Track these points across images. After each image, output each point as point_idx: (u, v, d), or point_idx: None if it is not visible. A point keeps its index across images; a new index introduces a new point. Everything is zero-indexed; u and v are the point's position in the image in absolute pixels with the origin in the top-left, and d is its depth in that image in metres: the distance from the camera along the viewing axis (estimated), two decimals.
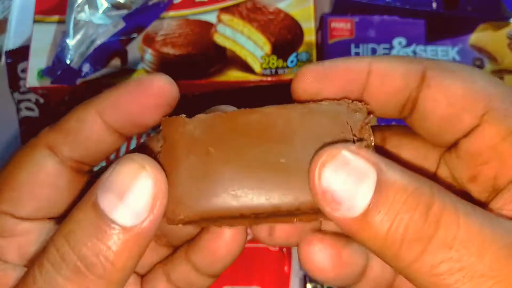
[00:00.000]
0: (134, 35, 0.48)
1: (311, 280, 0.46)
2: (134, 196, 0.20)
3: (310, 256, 0.25)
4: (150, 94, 0.24)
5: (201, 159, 0.23)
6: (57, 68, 0.45)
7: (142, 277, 0.28)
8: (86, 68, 0.46)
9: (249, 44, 0.47)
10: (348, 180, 0.20)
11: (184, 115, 0.23)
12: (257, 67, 0.47)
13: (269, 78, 0.46)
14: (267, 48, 0.47)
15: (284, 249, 0.46)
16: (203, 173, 0.22)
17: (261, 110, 0.23)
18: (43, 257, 0.21)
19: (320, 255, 0.25)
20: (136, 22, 0.48)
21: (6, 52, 0.52)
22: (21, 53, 0.51)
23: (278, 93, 0.47)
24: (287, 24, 0.48)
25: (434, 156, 0.26)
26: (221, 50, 0.48)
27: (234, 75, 0.47)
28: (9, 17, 0.53)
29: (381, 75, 0.24)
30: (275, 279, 0.45)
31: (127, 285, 0.27)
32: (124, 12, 0.47)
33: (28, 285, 0.20)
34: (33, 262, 0.21)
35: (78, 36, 0.45)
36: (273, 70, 0.47)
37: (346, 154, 0.20)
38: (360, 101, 0.24)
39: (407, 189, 0.19)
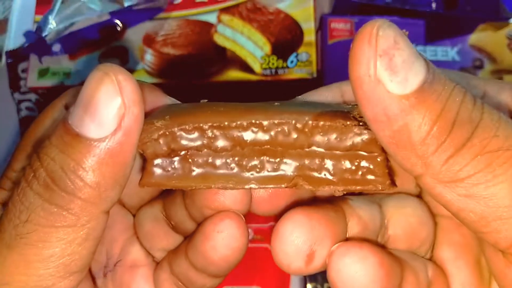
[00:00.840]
0: (116, 29, 0.48)
1: (311, 280, 0.46)
2: (98, 106, 0.19)
3: (348, 271, 0.21)
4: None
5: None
6: (34, 36, 0.45)
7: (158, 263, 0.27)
8: (56, 48, 0.46)
9: (249, 44, 0.47)
10: (406, 49, 0.17)
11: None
12: (257, 67, 0.47)
13: (269, 78, 0.46)
14: (267, 48, 0.47)
15: None
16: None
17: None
18: (22, 177, 0.20)
19: (360, 267, 0.21)
20: (121, 18, 0.47)
21: (6, 52, 0.52)
22: (21, 54, 0.51)
23: (278, 93, 0.47)
24: (287, 24, 0.48)
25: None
26: (221, 50, 0.48)
27: (234, 75, 0.47)
28: (10, 17, 0.53)
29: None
30: (275, 279, 0.45)
31: (141, 267, 0.26)
32: (116, 6, 0.46)
33: (9, 205, 0.20)
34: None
35: (67, 11, 0.45)
36: (273, 70, 0.46)
37: (398, 29, 0.18)
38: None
39: (452, 78, 0.18)
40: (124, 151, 0.19)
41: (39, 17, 0.49)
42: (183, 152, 0.21)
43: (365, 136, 0.20)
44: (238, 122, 0.20)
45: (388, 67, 0.17)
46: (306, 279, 0.46)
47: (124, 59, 0.48)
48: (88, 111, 0.19)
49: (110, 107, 0.19)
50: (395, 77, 0.17)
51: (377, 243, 0.24)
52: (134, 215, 0.27)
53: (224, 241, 0.23)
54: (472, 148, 0.17)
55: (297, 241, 0.22)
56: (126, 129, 0.19)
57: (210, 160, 0.21)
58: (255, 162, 0.21)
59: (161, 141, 0.21)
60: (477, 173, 0.17)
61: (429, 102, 0.17)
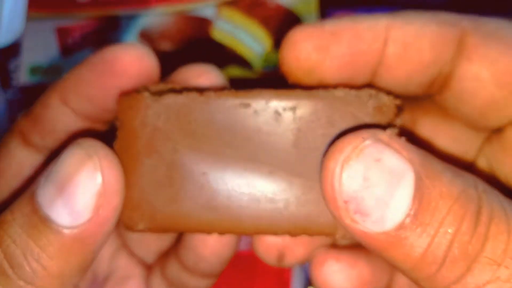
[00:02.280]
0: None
1: (313, 284, 0.45)
2: (75, 191, 0.17)
3: (326, 279, 0.21)
4: (113, 73, 0.20)
5: (166, 158, 0.18)
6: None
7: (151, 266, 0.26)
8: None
9: (249, 40, 0.47)
10: (380, 184, 0.15)
11: (147, 93, 0.19)
12: (257, 64, 0.46)
13: (270, 75, 0.46)
14: (268, 43, 0.47)
15: None
16: (168, 177, 0.18)
17: (253, 97, 0.18)
18: None
19: (338, 277, 0.21)
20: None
21: None
22: (13, 50, 0.50)
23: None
24: (288, 19, 0.47)
25: (477, 144, 0.21)
26: (220, 47, 0.47)
27: (234, 72, 0.46)
28: (1, 12, 0.52)
29: (403, 45, 0.18)
30: (276, 283, 0.45)
31: (133, 277, 0.24)
32: None
33: None
34: None
35: None
36: (274, 67, 0.46)
37: (378, 146, 0.15)
38: (388, 92, 0.18)
39: (452, 193, 0.15)
40: (95, 240, 0.17)
41: (31, 13, 0.48)
42: None
43: None
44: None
45: (357, 211, 0.15)
46: (307, 283, 0.45)
47: None
48: (62, 195, 0.17)
49: (88, 195, 0.17)
50: (368, 218, 0.15)
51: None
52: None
53: (222, 242, 0.22)
54: (468, 284, 0.15)
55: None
56: (102, 219, 0.17)
57: None
58: None
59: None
60: None
61: (414, 238, 0.15)
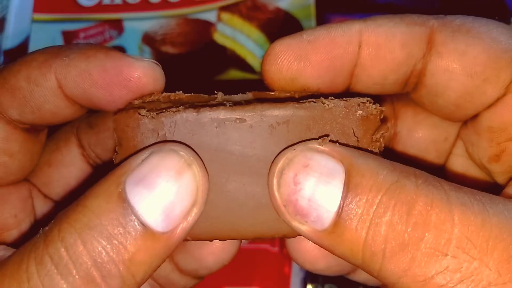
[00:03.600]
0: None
1: (312, 281, 0.45)
2: (172, 197, 0.16)
3: (297, 244, 0.22)
4: (125, 85, 0.20)
5: None
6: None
7: None
8: None
9: (249, 43, 0.47)
10: (311, 185, 0.16)
11: (144, 110, 0.19)
12: (257, 66, 0.46)
13: None
14: (268, 47, 0.46)
15: (284, 250, 0.46)
16: None
17: (248, 111, 0.19)
18: (44, 252, 0.16)
19: (308, 243, 0.21)
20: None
21: (4, 51, 0.51)
22: (19, 53, 0.51)
23: None
24: (287, 23, 0.47)
25: (455, 130, 0.21)
26: (221, 49, 0.47)
27: (234, 74, 0.46)
28: (7, 16, 0.52)
29: (376, 46, 0.19)
30: (275, 280, 0.45)
31: None
32: None
33: (21, 284, 0.16)
34: (26, 250, 0.16)
35: None
36: None
37: (306, 154, 0.16)
38: (372, 101, 0.19)
39: (382, 184, 0.15)
40: (178, 243, 0.17)
41: (37, 16, 0.48)
42: None
43: None
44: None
45: (296, 213, 0.16)
46: (306, 280, 0.45)
47: None
48: (161, 201, 0.16)
49: (186, 204, 0.17)
50: (307, 218, 0.16)
51: None
52: None
53: (223, 245, 0.22)
54: (415, 284, 0.15)
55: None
56: (188, 226, 0.17)
57: None
58: None
59: None
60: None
61: (351, 233, 0.16)
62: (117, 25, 0.48)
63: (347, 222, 0.16)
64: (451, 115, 0.20)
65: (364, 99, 0.19)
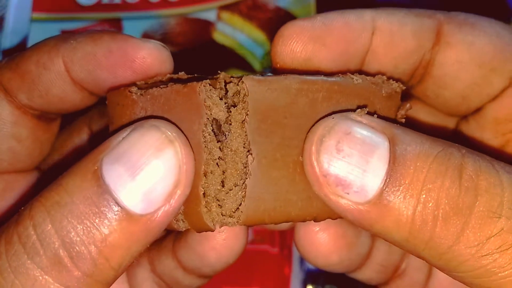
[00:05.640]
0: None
1: (312, 282, 0.45)
2: (153, 177, 0.15)
3: (310, 238, 0.21)
4: (132, 68, 0.19)
5: None
6: None
7: None
8: None
9: (249, 42, 0.47)
10: (355, 153, 0.15)
11: (135, 88, 0.18)
12: (257, 66, 0.46)
13: None
14: (268, 46, 0.47)
15: (284, 251, 0.46)
16: None
17: (271, 84, 0.18)
18: (13, 231, 0.15)
19: (322, 236, 0.20)
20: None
21: (2, 51, 0.51)
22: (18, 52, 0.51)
23: None
24: (287, 21, 0.47)
25: (452, 124, 0.22)
26: (221, 48, 0.47)
27: (234, 73, 0.46)
28: (6, 15, 0.52)
29: (389, 34, 0.19)
30: (275, 281, 0.45)
31: None
32: None
33: None
34: (0, 231, 0.16)
35: None
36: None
37: (347, 122, 0.16)
38: (396, 80, 0.19)
39: (429, 153, 0.15)
40: (159, 230, 0.16)
41: (36, 15, 0.48)
42: None
43: None
44: None
45: (339, 183, 0.15)
46: (306, 280, 0.45)
47: None
48: (138, 179, 0.15)
49: (166, 183, 0.16)
50: (350, 189, 0.15)
51: None
52: None
53: (225, 241, 0.21)
54: (473, 240, 0.15)
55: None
56: (172, 209, 0.16)
57: None
58: None
59: None
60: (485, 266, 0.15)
61: (399, 202, 0.15)
62: (116, 24, 0.48)
63: (394, 192, 0.15)
64: (455, 108, 0.20)
65: (385, 77, 0.19)
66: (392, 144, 0.15)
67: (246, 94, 0.18)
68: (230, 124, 0.18)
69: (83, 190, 0.15)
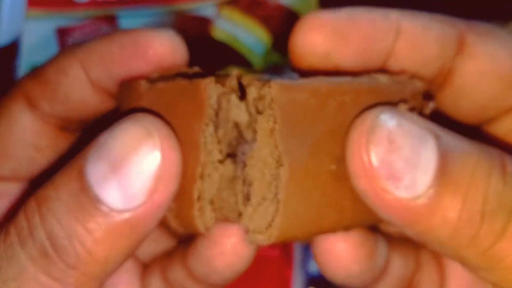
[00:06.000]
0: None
1: (313, 285, 0.45)
2: (130, 171, 0.15)
3: (330, 250, 0.20)
4: (145, 59, 0.19)
5: None
6: None
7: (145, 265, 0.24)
8: None
9: (249, 39, 0.47)
10: (406, 145, 0.15)
11: (144, 81, 0.18)
12: (257, 63, 0.46)
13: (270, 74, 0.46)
14: (268, 43, 0.46)
15: (285, 253, 0.46)
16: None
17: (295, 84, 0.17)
18: (11, 224, 0.17)
19: (342, 246, 0.20)
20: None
21: None
22: (12, 50, 0.50)
23: None
24: (288, 18, 0.47)
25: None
26: (220, 46, 0.47)
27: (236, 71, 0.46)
28: (0, 13, 0.52)
29: (413, 37, 0.19)
30: (275, 284, 0.44)
31: (122, 271, 0.23)
32: None
33: None
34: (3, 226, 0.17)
35: None
36: (274, 66, 0.46)
37: (394, 114, 0.16)
38: (418, 78, 0.19)
39: (472, 151, 0.16)
40: (145, 227, 0.16)
41: (31, 12, 0.48)
42: None
43: None
44: None
45: (390, 176, 0.15)
46: (307, 284, 0.45)
47: None
48: (116, 174, 0.15)
49: (145, 177, 0.15)
50: (400, 183, 0.15)
51: None
52: None
53: (234, 247, 0.20)
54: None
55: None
56: (155, 205, 0.16)
57: None
58: None
59: None
60: None
61: (447, 198, 0.15)
62: (113, 21, 0.47)
63: (443, 188, 0.15)
64: (471, 117, 0.20)
65: (407, 76, 0.19)
66: (438, 140, 0.15)
67: (274, 100, 0.17)
68: (255, 132, 0.17)
69: (68, 186, 0.16)
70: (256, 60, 0.46)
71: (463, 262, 0.17)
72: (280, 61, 0.46)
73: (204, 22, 0.47)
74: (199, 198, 0.18)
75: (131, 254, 0.17)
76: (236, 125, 0.18)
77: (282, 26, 0.47)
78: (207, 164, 0.17)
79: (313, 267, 0.46)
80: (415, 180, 0.15)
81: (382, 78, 0.18)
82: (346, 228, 0.18)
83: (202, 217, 0.18)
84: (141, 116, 0.16)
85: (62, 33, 0.47)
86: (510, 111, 0.19)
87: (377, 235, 0.21)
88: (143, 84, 0.18)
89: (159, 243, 0.24)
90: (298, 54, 0.19)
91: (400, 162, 0.15)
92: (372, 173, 0.15)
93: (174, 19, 0.48)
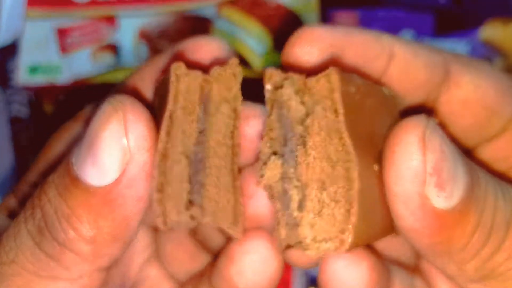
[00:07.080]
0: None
1: (313, 285, 0.45)
2: (101, 147, 0.16)
3: (340, 274, 0.19)
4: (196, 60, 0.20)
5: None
6: None
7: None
8: None
9: (249, 39, 0.46)
10: (450, 158, 0.16)
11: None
12: (257, 64, 0.46)
13: None
14: (269, 43, 0.46)
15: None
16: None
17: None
18: (25, 205, 0.18)
19: (352, 272, 0.19)
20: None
21: None
22: (12, 50, 0.50)
23: None
24: (288, 19, 0.47)
25: None
26: None
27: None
28: (0, 12, 0.52)
29: (404, 62, 0.19)
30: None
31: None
32: None
33: (3, 236, 0.18)
34: None
35: None
36: (274, 66, 0.46)
37: (432, 124, 0.16)
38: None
39: (483, 170, 0.17)
40: (125, 204, 0.16)
41: (30, 13, 0.47)
42: None
43: None
44: None
45: (438, 184, 0.15)
46: (307, 284, 0.45)
47: (118, 55, 0.47)
48: (91, 152, 0.16)
49: (113, 151, 0.16)
50: (442, 193, 0.16)
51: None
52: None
53: (252, 265, 0.19)
54: (507, 251, 0.17)
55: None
56: (129, 180, 0.16)
57: None
58: None
59: None
60: (510, 270, 0.17)
61: (471, 213, 0.16)
62: (113, 21, 0.47)
63: (469, 203, 0.16)
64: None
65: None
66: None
67: (336, 89, 0.16)
68: (307, 135, 0.17)
69: (60, 170, 0.17)
70: (256, 60, 0.46)
71: (461, 274, 0.17)
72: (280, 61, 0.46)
73: (203, 22, 0.47)
74: (159, 190, 0.17)
75: (119, 238, 0.17)
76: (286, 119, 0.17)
77: (282, 26, 0.47)
78: (168, 155, 0.17)
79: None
80: (452, 192, 0.16)
81: (385, 90, 0.18)
82: (383, 235, 0.18)
83: (163, 212, 0.17)
84: (112, 98, 0.17)
85: (62, 33, 0.47)
86: (493, 139, 0.20)
87: (380, 260, 0.20)
88: (163, 77, 0.18)
89: (195, 262, 0.23)
90: (292, 64, 0.19)
91: (447, 172, 0.15)
92: (424, 178, 0.15)
93: (173, 19, 0.48)
